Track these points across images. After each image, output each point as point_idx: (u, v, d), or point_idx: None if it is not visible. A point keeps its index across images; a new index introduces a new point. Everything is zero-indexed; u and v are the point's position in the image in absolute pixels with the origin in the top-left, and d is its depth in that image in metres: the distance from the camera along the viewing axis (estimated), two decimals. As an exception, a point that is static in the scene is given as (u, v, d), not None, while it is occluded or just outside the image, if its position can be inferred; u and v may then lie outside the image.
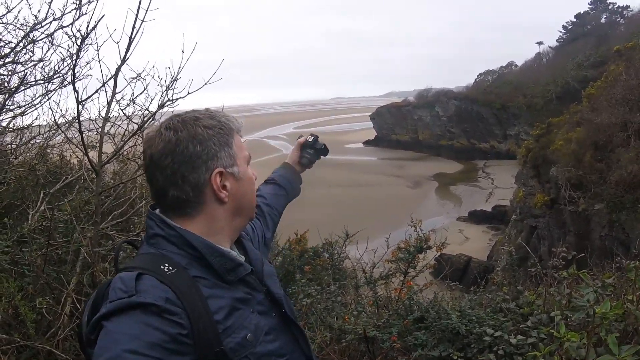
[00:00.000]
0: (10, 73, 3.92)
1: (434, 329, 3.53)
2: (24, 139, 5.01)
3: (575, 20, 70.63)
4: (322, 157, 2.32)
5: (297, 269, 6.05)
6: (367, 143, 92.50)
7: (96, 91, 3.29)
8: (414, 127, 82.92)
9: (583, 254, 3.40)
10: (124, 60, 3.31)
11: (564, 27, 71.97)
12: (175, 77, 3.79)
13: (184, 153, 1.31)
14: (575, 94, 37.81)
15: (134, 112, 4.04)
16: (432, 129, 78.27)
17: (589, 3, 69.52)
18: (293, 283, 5.33)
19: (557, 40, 72.78)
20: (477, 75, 78.73)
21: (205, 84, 3.80)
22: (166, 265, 1.25)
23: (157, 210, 1.39)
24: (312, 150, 2.26)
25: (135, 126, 3.99)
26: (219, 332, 1.23)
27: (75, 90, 3.02)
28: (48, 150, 5.31)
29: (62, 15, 3.27)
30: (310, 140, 2.26)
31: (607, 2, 67.35)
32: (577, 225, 24.32)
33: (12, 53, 3.48)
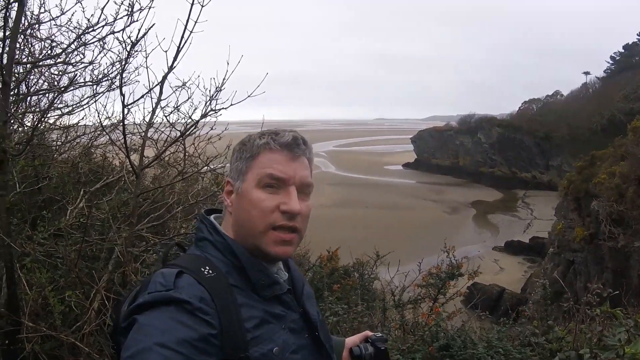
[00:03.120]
0: (60, 73, 4.09)
1: (459, 358, 3.45)
2: (69, 137, 5.20)
3: (623, 51, 69.29)
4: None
5: (325, 287, 6.03)
6: (406, 166, 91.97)
7: (142, 96, 3.40)
8: (455, 153, 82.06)
9: (617, 292, 3.29)
10: (170, 69, 3.41)
11: (611, 57, 70.83)
12: (220, 88, 3.87)
13: None
14: (621, 126, 36.73)
15: (178, 119, 4.14)
16: (473, 155, 77.27)
17: (637, 34, 68.33)
18: (321, 300, 5.31)
19: (604, 71, 71.70)
20: (522, 103, 77.83)
21: (249, 96, 3.87)
22: (207, 268, 1.29)
23: (212, 216, 1.46)
24: (372, 347, 1.75)
25: (178, 133, 4.08)
26: (247, 340, 1.24)
27: (122, 94, 3.12)
28: (92, 150, 5.49)
29: (114, 21, 3.38)
30: (377, 336, 1.78)
31: (657, 33, 65.98)
32: (616, 262, 23.53)
33: (64, 54, 3.61)
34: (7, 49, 2.75)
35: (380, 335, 1.77)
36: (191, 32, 3.33)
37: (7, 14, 2.95)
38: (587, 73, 74.49)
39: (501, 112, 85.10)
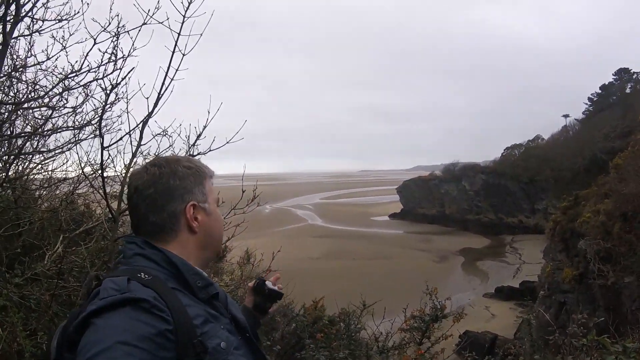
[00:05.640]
0: (44, 118, 4.13)
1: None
2: (51, 181, 5.21)
3: (600, 91, 70.79)
4: (275, 302, 2.03)
5: (307, 335, 5.91)
6: (393, 216, 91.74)
7: (120, 138, 3.46)
8: (441, 201, 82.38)
9: (602, 318, 3.28)
10: (150, 114, 3.49)
11: (589, 98, 72.12)
12: (199, 135, 3.95)
13: (165, 185, 1.50)
14: (603, 165, 37.10)
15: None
16: (459, 203, 77.61)
17: (613, 74, 69.97)
18: (303, 349, 5.22)
19: (583, 113, 72.89)
20: (504, 149, 78.66)
21: (227, 142, 3.96)
22: (142, 274, 1.36)
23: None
24: (261, 295, 1.99)
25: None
26: (198, 335, 1.31)
27: (101, 137, 3.17)
28: (74, 198, 5.48)
29: (97, 67, 3.46)
30: (256, 284, 2.01)
31: (632, 72, 67.79)
32: (607, 300, 23.23)
33: (47, 97, 3.66)
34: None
35: (258, 280, 2.04)
36: (172, 79, 3.43)
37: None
38: (566, 116, 76.01)
39: (484, 159, 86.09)
